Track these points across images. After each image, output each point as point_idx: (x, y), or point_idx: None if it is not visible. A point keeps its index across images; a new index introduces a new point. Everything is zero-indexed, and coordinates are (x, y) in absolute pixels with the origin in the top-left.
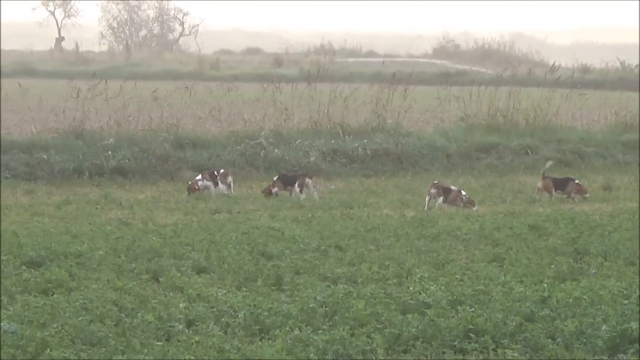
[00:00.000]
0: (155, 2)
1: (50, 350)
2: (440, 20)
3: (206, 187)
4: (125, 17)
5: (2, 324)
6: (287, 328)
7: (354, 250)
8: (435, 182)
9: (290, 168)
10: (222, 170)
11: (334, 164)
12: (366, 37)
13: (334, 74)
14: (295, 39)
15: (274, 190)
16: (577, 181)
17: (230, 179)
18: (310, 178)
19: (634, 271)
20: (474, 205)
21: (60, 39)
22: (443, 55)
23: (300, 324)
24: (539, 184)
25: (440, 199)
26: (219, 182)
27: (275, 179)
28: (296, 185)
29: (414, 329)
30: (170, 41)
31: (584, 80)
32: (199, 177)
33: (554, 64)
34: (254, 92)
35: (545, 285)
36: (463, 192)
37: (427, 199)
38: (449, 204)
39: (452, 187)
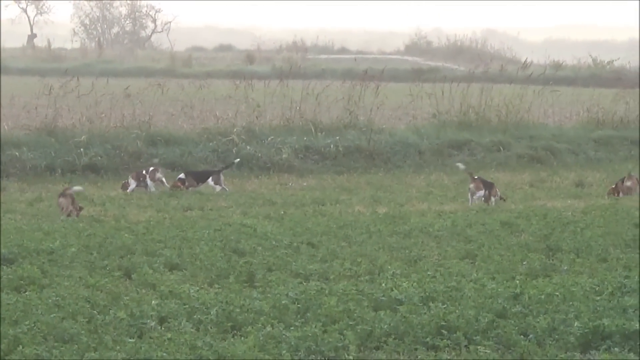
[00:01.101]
0: None
1: (23, 348)
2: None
3: (133, 187)
4: (98, 14)
5: None
6: (260, 325)
7: (326, 247)
8: (476, 177)
9: (262, 165)
10: (151, 168)
11: (306, 161)
12: (338, 33)
13: (306, 71)
14: (268, 36)
15: (185, 185)
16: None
17: (159, 175)
18: (221, 172)
19: (606, 267)
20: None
21: (32, 36)
22: (415, 52)
23: (273, 321)
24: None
25: (481, 193)
26: (148, 179)
27: (182, 176)
28: (210, 179)
29: (386, 326)
30: (142, 38)
31: (556, 77)
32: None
33: (526, 60)
34: (226, 89)
35: (517, 281)
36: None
37: (469, 195)
38: (488, 198)
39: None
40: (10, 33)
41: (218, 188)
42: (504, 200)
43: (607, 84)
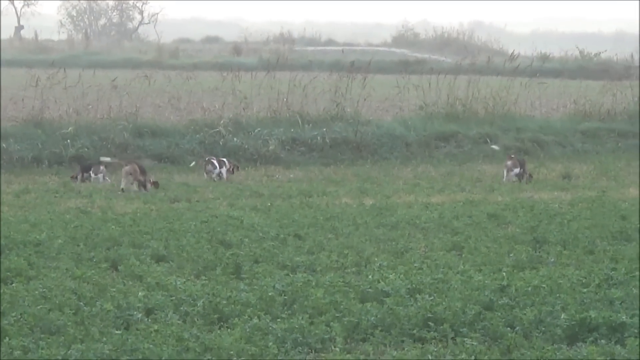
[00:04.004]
0: None
1: (9, 339)
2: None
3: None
4: (85, 6)
5: None
6: (246, 317)
7: (313, 238)
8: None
9: (249, 157)
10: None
11: (293, 153)
12: (325, 25)
13: (293, 63)
14: (255, 27)
15: (77, 176)
16: None
17: (102, 168)
18: (102, 165)
19: (593, 259)
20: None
21: (19, 27)
22: (402, 43)
23: (259, 313)
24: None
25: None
26: (92, 173)
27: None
28: (91, 171)
29: (372, 318)
30: (129, 30)
31: (543, 69)
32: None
33: (513, 52)
34: (213, 80)
35: (504, 273)
36: None
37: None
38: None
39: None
40: None
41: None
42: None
43: (594, 76)
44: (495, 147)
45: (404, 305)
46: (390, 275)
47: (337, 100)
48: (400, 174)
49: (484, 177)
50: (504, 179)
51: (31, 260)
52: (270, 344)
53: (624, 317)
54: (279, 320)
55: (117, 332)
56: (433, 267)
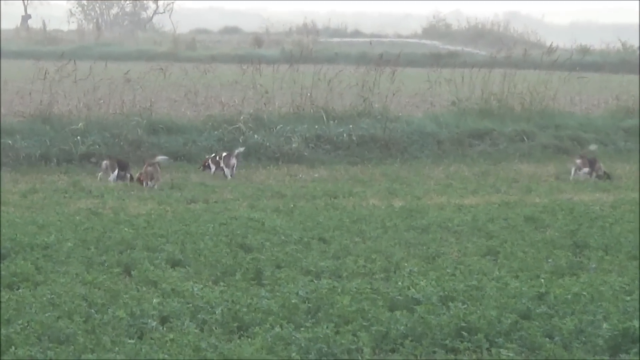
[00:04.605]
0: None
1: (15, 349)
2: None
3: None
4: None
5: None
6: (268, 325)
7: (338, 242)
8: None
9: (270, 155)
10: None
11: (318, 151)
12: (352, 16)
13: (317, 55)
14: (277, 17)
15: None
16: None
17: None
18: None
19: (637, 266)
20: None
21: (26, 17)
22: (433, 35)
23: (282, 321)
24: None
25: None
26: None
27: None
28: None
29: (402, 327)
30: (143, 20)
31: (583, 62)
32: None
33: (551, 44)
34: (233, 74)
35: (542, 280)
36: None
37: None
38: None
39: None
40: (3, 14)
41: None
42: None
43: (637, 70)
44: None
45: (436, 313)
46: (421, 282)
47: (364, 95)
48: (431, 174)
49: (521, 177)
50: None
51: (39, 264)
52: (293, 354)
53: None
54: (302, 329)
55: (130, 341)
56: (466, 273)
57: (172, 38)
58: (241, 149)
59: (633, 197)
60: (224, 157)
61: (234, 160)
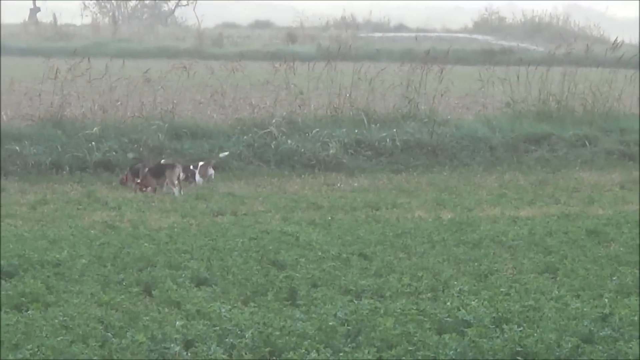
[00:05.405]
0: None
1: None
2: None
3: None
4: None
5: None
6: (303, 350)
7: (380, 258)
8: None
9: (305, 162)
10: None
11: (358, 158)
12: (395, 8)
13: (357, 52)
14: (312, 10)
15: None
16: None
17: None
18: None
19: None
20: None
21: (35, 9)
22: (485, 29)
23: (318, 346)
24: None
25: None
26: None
27: None
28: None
29: (451, 352)
30: (164, 13)
31: None
32: None
33: (615, 40)
34: (264, 72)
35: (605, 300)
36: None
37: None
38: None
39: None
40: (9, 6)
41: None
42: None
43: None
44: None
45: (489, 337)
46: (472, 302)
47: (409, 95)
48: (483, 183)
49: (582, 187)
50: None
51: (50, 283)
52: None
53: None
54: (341, 354)
55: None
56: (522, 292)
57: (197, 33)
58: (225, 153)
59: None
60: (200, 166)
61: (211, 171)
